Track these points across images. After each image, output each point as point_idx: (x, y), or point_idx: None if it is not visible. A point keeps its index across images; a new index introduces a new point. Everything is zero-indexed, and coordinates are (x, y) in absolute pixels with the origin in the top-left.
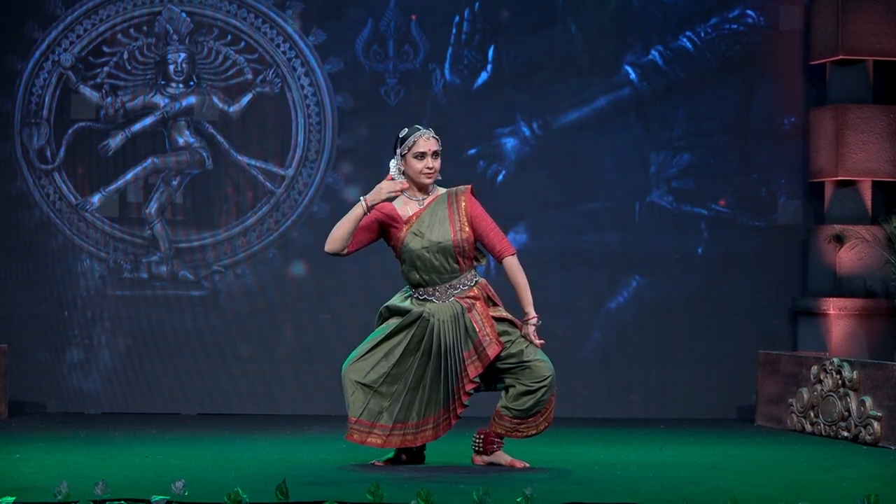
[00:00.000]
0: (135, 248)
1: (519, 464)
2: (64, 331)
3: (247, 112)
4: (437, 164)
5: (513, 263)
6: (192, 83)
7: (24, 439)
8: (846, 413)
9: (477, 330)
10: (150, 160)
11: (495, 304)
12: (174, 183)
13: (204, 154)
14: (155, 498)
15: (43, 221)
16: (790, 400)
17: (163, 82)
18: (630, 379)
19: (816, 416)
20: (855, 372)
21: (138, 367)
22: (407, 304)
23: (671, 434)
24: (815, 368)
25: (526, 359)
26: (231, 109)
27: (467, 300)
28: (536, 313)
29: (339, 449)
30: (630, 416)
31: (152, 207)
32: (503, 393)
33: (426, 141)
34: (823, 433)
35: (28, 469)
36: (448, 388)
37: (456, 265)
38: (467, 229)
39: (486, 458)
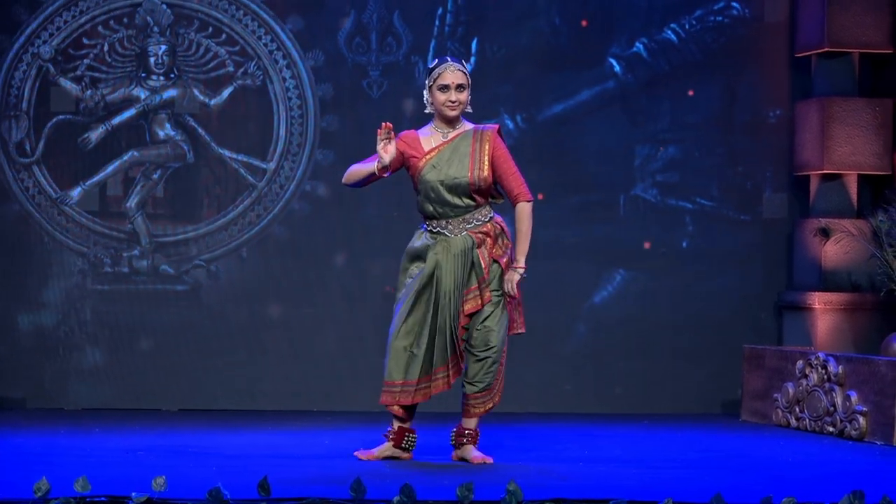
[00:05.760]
0: (115, 242)
1: (488, 460)
2: (43, 326)
3: (228, 105)
4: (461, 96)
5: (524, 210)
6: (172, 76)
7: (2, 436)
8: (832, 408)
9: (483, 267)
10: (130, 153)
11: (506, 241)
12: (155, 176)
13: (185, 147)
14: (135, 494)
15: (22, 215)
16: (775, 395)
17: (143, 75)
18: (614, 373)
19: (802, 410)
20: (840, 366)
21: (119, 362)
22: (422, 241)
23: (656, 429)
24: (800, 363)
25: (484, 319)
26: (212, 102)
27: (479, 235)
28: (525, 265)
29: (322, 445)
30: (614, 411)
31: (133, 201)
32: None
33: (451, 73)
34: (809, 428)
35: (7, 465)
36: (452, 330)
37: (471, 201)
38: (486, 170)
39: (456, 453)
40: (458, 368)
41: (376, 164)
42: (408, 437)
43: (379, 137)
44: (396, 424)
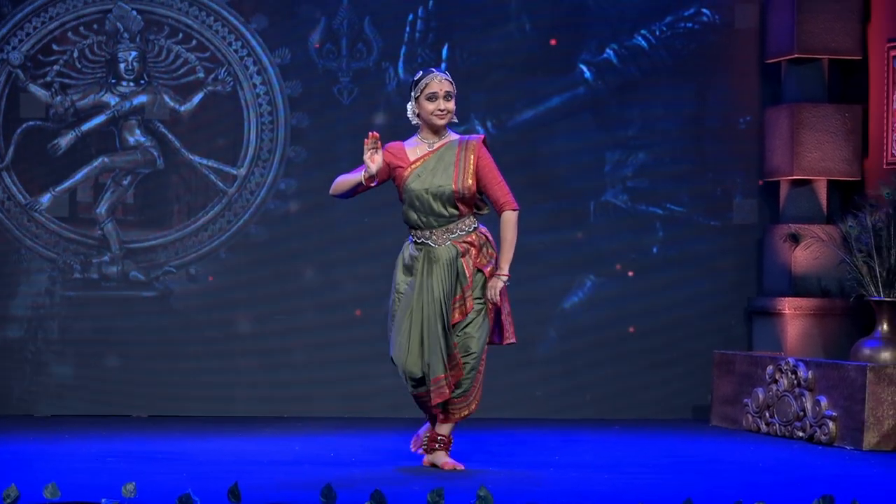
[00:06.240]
0: (85, 248)
1: (458, 466)
2: (12, 332)
3: (198, 111)
4: (449, 105)
5: (510, 219)
6: (143, 82)
7: None
8: (801, 413)
9: (467, 276)
10: (100, 159)
11: (490, 250)
12: (125, 182)
13: (155, 153)
14: (105, 501)
15: None
16: (745, 400)
17: (113, 81)
18: (585, 379)
19: (772, 416)
20: (810, 372)
21: (88, 368)
22: (409, 253)
23: (626, 434)
24: (770, 368)
25: (466, 325)
26: (182, 108)
27: (463, 244)
28: (509, 273)
29: (293, 451)
30: (585, 417)
31: (103, 207)
32: None
33: (438, 82)
34: (779, 433)
35: None
36: (443, 338)
37: (455, 210)
38: (470, 180)
39: (428, 458)
40: (456, 375)
41: (363, 173)
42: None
43: (366, 147)
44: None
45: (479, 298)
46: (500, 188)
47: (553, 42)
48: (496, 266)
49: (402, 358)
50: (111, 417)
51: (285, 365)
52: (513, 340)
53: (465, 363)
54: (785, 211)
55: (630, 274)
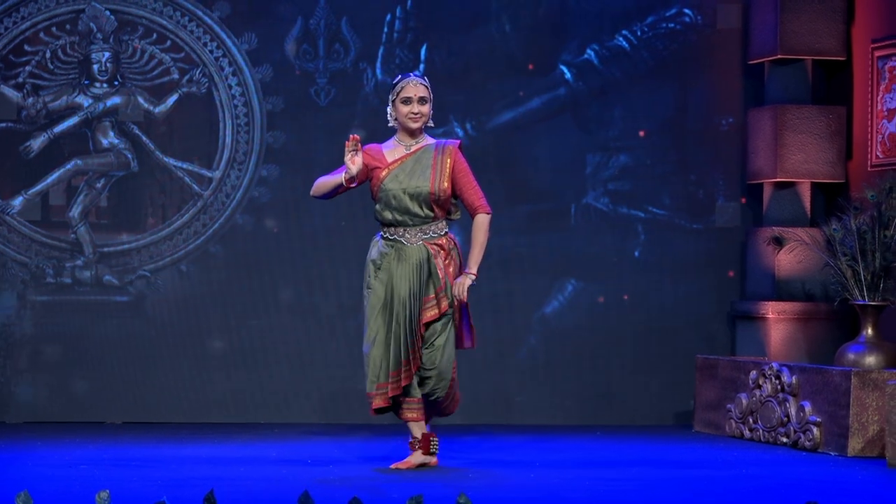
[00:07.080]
0: (58, 252)
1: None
2: None
3: (173, 112)
4: (423, 109)
5: (482, 221)
6: (116, 83)
7: None
8: (785, 419)
9: (440, 276)
10: (73, 162)
11: (457, 256)
12: (98, 185)
13: (129, 156)
14: None
15: None
16: (728, 405)
17: (86, 82)
18: (566, 384)
19: (755, 421)
20: (794, 377)
21: (61, 374)
22: (378, 250)
23: (608, 440)
24: (753, 373)
25: (435, 338)
26: (157, 110)
27: (434, 246)
28: (477, 273)
29: (268, 457)
30: (566, 423)
31: (76, 211)
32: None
33: (413, 86)
34: (762, 439)
35: None
36: (408, 334)
37: (430, 212)
38: (446, 184)
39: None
40: (409, 374)
41: (344, 175)
42: (432, 441)
43: (346, 149)
44: (418, 432)
45: (447, 311)
46: (474, 192)
47: (531, 66)
48: (464, 265)
49: (371, 349)
50: (84, 424)
51: (260, 371)
52: (472, 346)
53: (430, 376)
54: (768, 214)
55: (601, 300)
